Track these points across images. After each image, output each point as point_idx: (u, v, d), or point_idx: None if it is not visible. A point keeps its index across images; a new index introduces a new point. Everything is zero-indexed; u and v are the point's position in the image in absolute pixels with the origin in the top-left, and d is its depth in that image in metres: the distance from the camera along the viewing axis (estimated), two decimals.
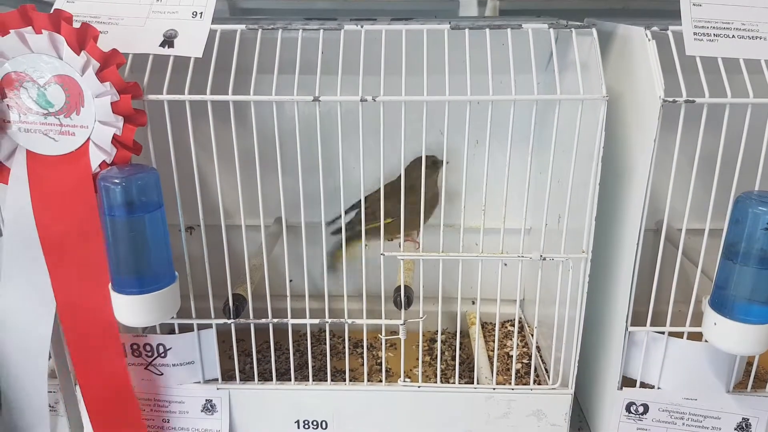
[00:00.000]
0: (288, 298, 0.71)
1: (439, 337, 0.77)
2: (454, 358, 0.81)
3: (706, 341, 0.65)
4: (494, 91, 0.62)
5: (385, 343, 0.72)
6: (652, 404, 0.70)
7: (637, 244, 0.65)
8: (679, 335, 0.68)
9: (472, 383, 0.74)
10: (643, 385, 0.70)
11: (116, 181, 0.58)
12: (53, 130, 0.61)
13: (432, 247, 0.70)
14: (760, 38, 0.61)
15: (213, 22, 0.64)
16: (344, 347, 0.76)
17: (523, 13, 1.05)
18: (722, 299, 0.60)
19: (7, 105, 0.60)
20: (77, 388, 0.72)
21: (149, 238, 0.60)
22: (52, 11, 0.59)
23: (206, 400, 0.73)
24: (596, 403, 0.77)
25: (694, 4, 0.62)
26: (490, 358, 0.83)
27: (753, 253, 0.58)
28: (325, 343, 0.75)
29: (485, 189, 0.66)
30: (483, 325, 0.95)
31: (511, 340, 0.93)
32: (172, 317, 0.67)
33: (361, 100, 0.62)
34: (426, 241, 0.71)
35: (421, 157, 0.74)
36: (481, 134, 0.64)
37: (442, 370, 0.82)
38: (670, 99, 0.59)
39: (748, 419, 0.69)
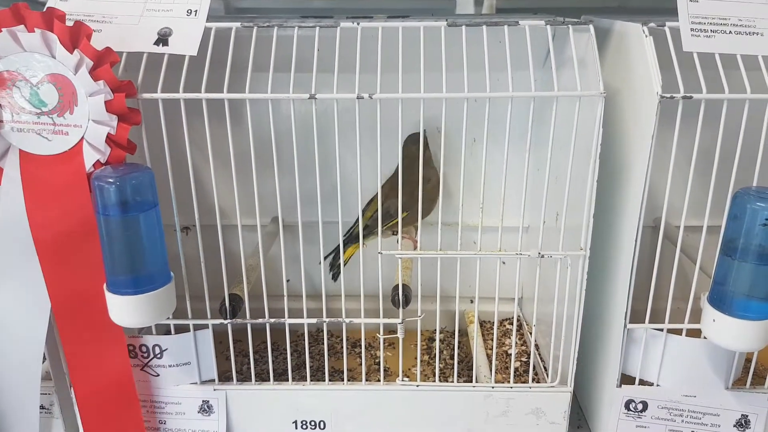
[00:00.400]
0: (285, 298, 0.70)
1: (437, 336, 0.76)
2: (452, 357, 0.81)
3: (704, 338, 0.65)
4: (491, 89, 0.61)
5: (383, 343, 0.72)
6: (651, 401, 0.70)
7: (636, 241, 0.64)
8: (678, 332, 0.67)
9: (471, 382, 0.74)
10: (642, 382, 0.70)
11: (110, 180, 0.58)
12: (46, 129, 0.60)
13: (430, 245, 0.70)
14: (757, 34, 0.61)
15: (208, 21, 0.64)
16: (342, 347, 0.76)
17: (520, 11, 1.05)
18: (721, 295, 0.60)
19: (0, 104, 0.59)
20: (72, 390, 0.71)
21: (144, 238, 0.60)
22: (44, 9, 0.59)
23: (203, 401, 0.73)
24: (595, 401, 0.76)
25: (691, 0, 0.61)
26: (489, 357, 0.82)
27: (751, 248, 0.58)
28: (323, 343, 0.75)
29: (483, 187, 0.66)
30: (481, 324, 0.95)
31: (509, 338, 0.93)
32: (168, 318, 0.66)
33: (357, 98, 0.61)
34: (424, 239, 0.70)
35: (412, 135, 0.74)
36: (479, 132, 0.63)
37: (440, 369, 0.82)
38: (668, 95, 0.59)
39: (747, 416, 0.69)
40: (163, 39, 0.63)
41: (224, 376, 0.73)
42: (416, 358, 0.76)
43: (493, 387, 0.72)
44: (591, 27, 0.65)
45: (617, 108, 0.68)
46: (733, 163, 0.61)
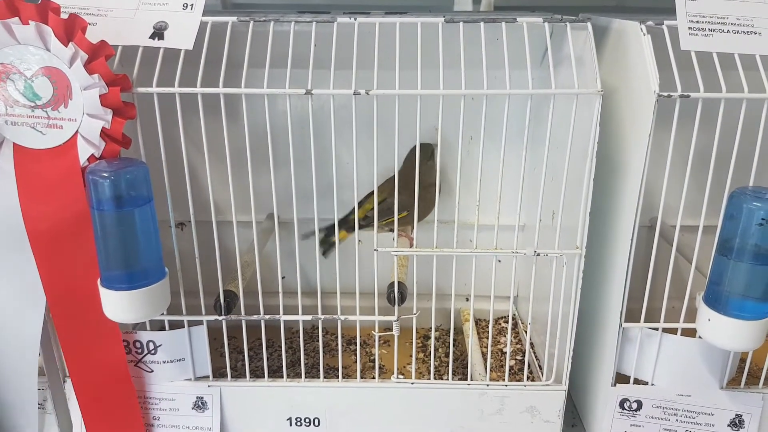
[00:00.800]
0: (280, 295, 0.70)
1: (432, 334, 0.76)
2: (447, 355, 0.81)
3: (699, 337, 0.65)
4: (488, 87, 0.61)
5: (379, 340, 0.72)
6: (645, 401, 0.70)
7: (631, 240, 0.64)
8: (673, 331, 0.67)
9: (466, 380, 0.73)
10: (637, 381, 0.70)
11: (105, 174, 0.57)
12: (41, 123, 0.60)
13: (426, 243, 0.69)
14: (755, 33, 0.61)
15: (204, 15, 0.63)
16: (337, 344, 0.76)
17: (518, 9, 1.05)
18: (716, 295, 0.60)
19: None
20: (66, 385, 0.71)
21: (138, 233, 0.59)
22: (39, 2, 0.58)
23: (197, 398, 0.73)
24: (590, 400, 0.76)
25: None
26: (484, 355, 0.82)
27: (747, 248, 0.58)
28: (318, 340, 0.74)
29: (479, 185, 0.66)
30: (477, 322, 0.95)
31: (504, 336, 0.93)
32: (163, 314, 0.66)
33: (354, 94, 0.61)
34: (420, 237, 0.70)
35: (424, 146, 0.73)
36: (476, 130, 0.63)
37: (435, 367, 0.81)
38: (665, 93, 0.59)
39: (741, 415, 0.69)
40: (158, 33, 0.62)
41: (218, 373, 0.73)
42: (411, 356, 0.76)
43: (488, 385, 0.72)
44: (589, 25, 0.64)
45: (614, 106, 0.68)
46: (728, 162, 0.61)
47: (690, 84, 0.59)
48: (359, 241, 0.70)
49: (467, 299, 0.89)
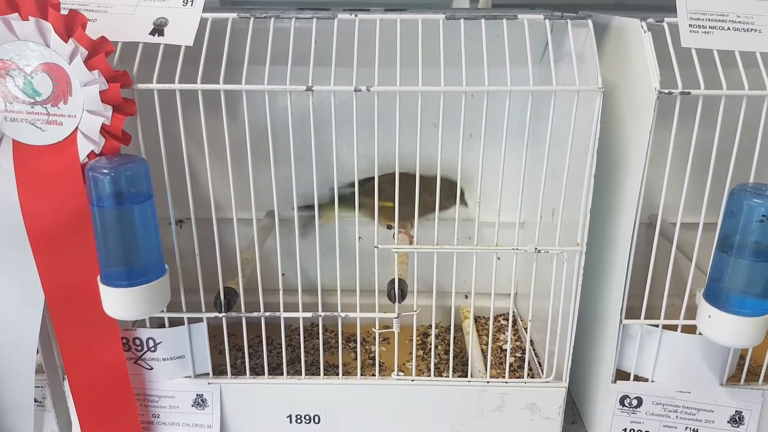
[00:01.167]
0: (280, 292, 0.70)
1: (432, 331, 0.76)
2: (447, 352, 0.81)
3: (700, 334, 0.65)
4: (489, 84, 0.61)
5: (379, 337, 0.72)
6: (645, 397, 0.70)
7: (632, 237, 0.64)
8: (673, 328, 0.67)
9: (466, 377, 0.73)
10: (637, 378, 0.70)
11: (105, 171, 0.57)
12: (40, 119, 0.59)
13: (426, 240, 0.69)
14: (756, 30, 0.61)
15: (204, 11, 0.63)
16: (337, 342, 0.76)
17: (516, 7, 1.05)
18: (717, 292, 0.60)
19: None
20: (65, 383, 0.71)
21: (138, 230, 0.59)
22: None
23: (197, 395, 0.72)
24: (590, 397, 0.77)
25: None
26: (484, 352, 0.82)
27: (748, 245, 0.58)
28: (318, 338, 0.74)
29: (480, 182, 0.66)
30: (476, 319, 0.95)
31: (504, 333, 0.93)
32: (162, 311, 0.66)
33: (355, 90, 0.61)
34: (420, 234, 0.70)
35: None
36: (476, 127, 0.63)
37: (435, 364, 0.81)
38: (666, 90, 0.59)
39: (741, 412, 0.69)
40: (158, 29, 0.62)
41: (218, 370, 0.73)
42: (411, 353, 0.76)
43: (488, 382, 0.72)
44: (589, 22, 0.64)
45: (615, 103, 0.68)
46: (728, 160, 0.61)
47: (690, 81, 0.59)
48: (360, 237, 0.69)
49: (466, 297, 0.89)
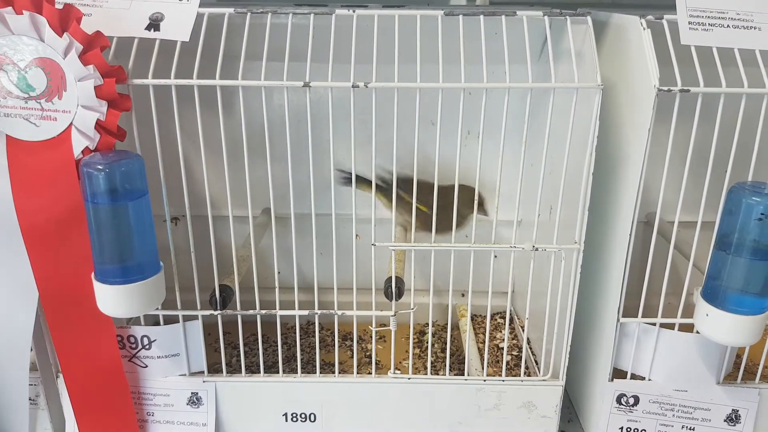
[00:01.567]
0: (276, 290, 0.70)
1: (429, 329, 0.76)
2: (444, 350, 0.80)
3: (697, 333, 0.65)
4: (488, 81, 0.61)
5: (375, 335, 0.71)
6: (642, 396, 0.70)
7: (630, 235, 0.64)
8: (671, 327, 0.67)
9: (463, 375, 0.73)
10: (634, 376, 0.70)
11: (99, 167, 0.56)
12: (34, 114, 0.59)
13: (423, 237, 0.69)
14: (755, 28, 0.61)
15: (200, 6, 0.62)
16: (333, 340, 0.75)
17: (514, 4, 1.04)
18: (715, 290, 0.60)
19: None
20: (59, 381, 0.70)
21: (133, 227, 0.59)
22: None
23: (192, 393, 0.72)
24: (587, 395, 0.76)
25: None
26: (481, 350, 0.82)
27: (746, 243, 0.58)
28: (314, 336, 0.74)
29: (477, 180, 0.66)
30: (473, 318, 0.95)
31: (501, 332, 0.92)
32: (157, 308, 0.65)
33: (352, 86, 0.60)
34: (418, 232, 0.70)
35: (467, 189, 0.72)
36: (474, 125, 0.63)
37: (432, 363, 0.81)
38: (665, 88, 0.58)
39: (737, 410, 0.69)
40: (154, 24, 0.62)
41: (214, 368, 0.73)
42: (408, 351, 0.75)
43: (484, 380, 0.72)
44: (589, 19, 0.64)
45: (614, 101, 0.68)
46: (727, 158, 0.61)
47: (690, 79, 0.59)
48: (357, 235, 0.69)
49: (463, 295, 0.89)
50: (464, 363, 0.76)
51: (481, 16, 0.63)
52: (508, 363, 0.85)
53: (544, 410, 0.73)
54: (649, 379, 0.69)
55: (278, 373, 0.73)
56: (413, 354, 0.84)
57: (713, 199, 0.62)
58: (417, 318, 0.73)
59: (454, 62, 0.61)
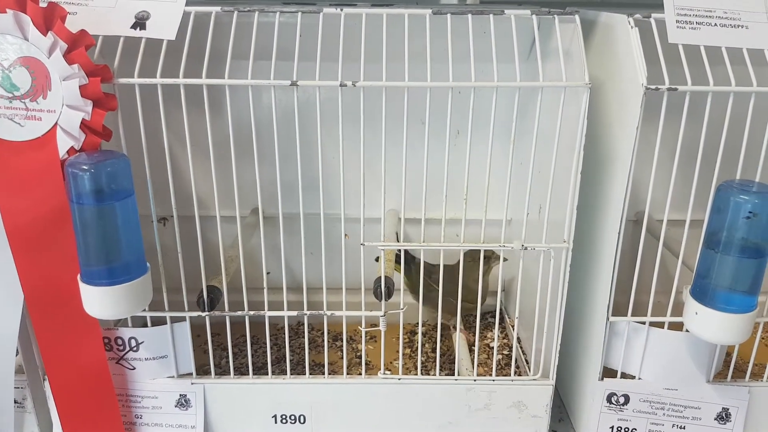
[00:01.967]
0: (265, 291, 0.69)
1: (419, 329, 0.76)
2: (434, 351, 0.80)
3: (686, 331, 0.65)
4: (476, 79, 0.61)
5: (365, 336, 0.71)
6: (633, 395, 0.70)
7: (619, 234, 0.64)
8: (660, 325, 0.67)
9: (453, 375, 0.73)
10: (624, 375, 0.70)
11: (85, 167, 0.56)
12: (19, 114, 0.58)
13: (413, 237, 0.69)
14: (743, 27, 0.61)
15: (187, 5, 0.62)
16: (323, 340, 0.75)
17: (503, 3, 1.05)
18: (703, 288, 0.60)
19: None
20: (46, 384, 0.69)
21: (120, 227, 0.58)
22: None
23: (180, 395, 0.71)
24: (577, 394, 0.76)
25: None
26: (471, 350, 0.82)
27: (734, 242, 0.58)
28: (303, 337, 0.74)
29: (467, 179, 0.65)
30: (464, 317, 0.94)
31: (491, 331, 0.92)
32: (145, 310, 0.65)
33: (340, 85, 0.60)
34: (407, 231, 0.70)
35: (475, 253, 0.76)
36: (463, 125, 0.63)
37: (422, 363, 0.81)
38: (653, 86, 0.58)
39: (728, 409, 0.70)
40: (140, 23, 0.61)
41: (202, 370, 0.72)
42: (398, 352, 0.75)
43: (475, 380, 0.72)
44: (577, 18, 0.64)
45: (602, 100, 0.68)
46: (715, 156, 0.61)
47: (677, 77, 0.59)
48: (345, 235, 0.69)
49: None
50: (454, 363, 0.76)
51: (470, 15, 0.62)
52: (498, 362, 0.84)
53: (534, 410, 0.72)
54: (640, 378, 0.69)
55: (267, 374, 0.72)
56: (403, 354, 0.84)
57: (702, 197, 0.62)
58: (407, 318, 0.72)
59: (442, 61, 0.61)
